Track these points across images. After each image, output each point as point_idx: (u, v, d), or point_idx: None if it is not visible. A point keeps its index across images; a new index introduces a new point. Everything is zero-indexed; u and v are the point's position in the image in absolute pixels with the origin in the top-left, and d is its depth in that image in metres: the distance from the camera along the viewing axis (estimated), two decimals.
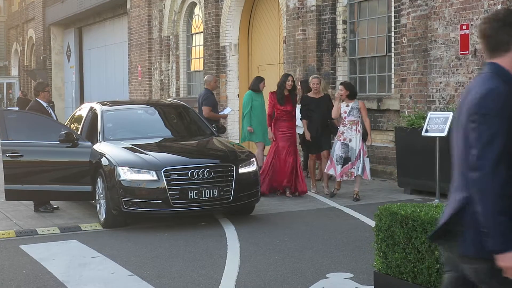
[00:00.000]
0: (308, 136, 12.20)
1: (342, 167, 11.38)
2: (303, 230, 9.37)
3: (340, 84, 11.90)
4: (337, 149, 11.43)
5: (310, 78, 12.68)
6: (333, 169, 11.52)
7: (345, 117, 11.43)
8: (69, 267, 7.73)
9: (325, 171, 11.88)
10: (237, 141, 18.36)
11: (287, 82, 12.23)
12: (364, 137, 11.44)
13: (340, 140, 11.45)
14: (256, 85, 13.96)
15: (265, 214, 10.62)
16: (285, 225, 9.83)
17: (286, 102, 12.23)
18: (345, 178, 11.52)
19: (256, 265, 7.57)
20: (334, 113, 11.70)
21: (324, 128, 12.26)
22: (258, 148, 14.19)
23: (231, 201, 9.76)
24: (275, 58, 18.27)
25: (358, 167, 11.36)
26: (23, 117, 11.15)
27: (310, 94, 12.40)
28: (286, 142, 12.16)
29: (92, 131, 11.04)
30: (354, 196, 11.49)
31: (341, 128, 11.51)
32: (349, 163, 11.37)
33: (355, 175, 11.44)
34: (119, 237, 9.28)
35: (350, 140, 11.38)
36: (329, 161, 11.70)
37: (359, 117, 11.44)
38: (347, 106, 11.44)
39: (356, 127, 11.41)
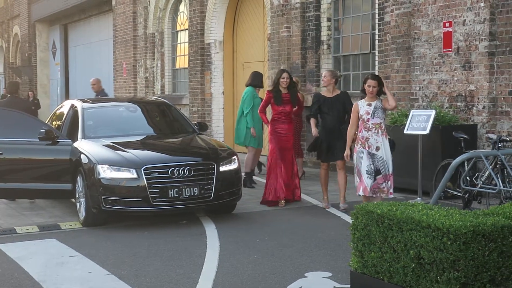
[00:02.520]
0: (314, 132, 10.67)
1: (374, 181, 9.28)
2: (284, 229, 9.32)
3: (368, 79, 9.52)
4: (365, 160, 9.29)
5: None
6: (362, 187, 9.34)
7: (368, 119, 9.30)
8: (46, 266, 7.65)
9: (358, 193, 9.48)
10: (222, 139, 18.31)
11: (281, 80, 11.11)
12: (392, 145, 9.53)
13: (366, 149, 9.32)
14: (259, 80, 13.23)
15: (246, 212, 10.56)
16: (266, 223, 9.78)
17: (283, 102, 11.10)
18: (373, 195, 9.31)
19: (235, 264, 7.51)
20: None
21: (339, 133, 10.45)
22: (249, 152, 13.34)
23: (212, 199, 9.69)
24: (260, 56, 18.21)
25: (388, 183, 9.36)
26: (2, 114, 11.04)
27: (323, 92, 10.90)
28: (284, 145, 11.06)
29: (72, 128, 10.94)
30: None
31: (363, 133, 9.34)
32: (380, 175, 9.28)
33: (387, 193, 9.37)
34: (99, 235, 9.20)
35: (378, 149, 9.29)
36: (356, 177, 9.45)
37: (384, 118, 9.51)
38: (369, 105, 9.36)
39: (384, 131, 9.41)
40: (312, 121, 10.82)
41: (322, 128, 10.66)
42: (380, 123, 9.34)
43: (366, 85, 9.36)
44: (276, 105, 11.11)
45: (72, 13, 30.20)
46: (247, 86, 13.50)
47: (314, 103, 10.78)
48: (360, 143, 9.35)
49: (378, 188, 9.29)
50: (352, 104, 9.85)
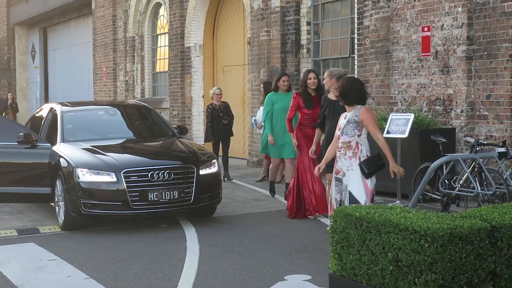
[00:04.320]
0: (312, 150, 9.64)
1: None
2: (264, 232, 9.34)
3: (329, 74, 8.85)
4: (333, 188, 7.81)
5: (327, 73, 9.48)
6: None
7: (338, 136, 7.64)
8: (25, 270, 7.62)
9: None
10: (202, 143, 18.31)
11: (308, 81, 10.15)
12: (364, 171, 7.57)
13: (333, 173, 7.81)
14: (274, 83, 11.72)
15: (226, 216, 10.57)
16: (246, 227, 9.79)
17: (314, 104, 10.10)
18: None
19: (215, 268, 7.52)
20: None
21: None
22: (273, 163, 11.93)
23: (191, 203, 9.69)
24: (240, 59, 18.23)
25: None
26: None
27: (330, 95, 9.29)
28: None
29: (51, 132, 10.90)
30: None
31: (337, 154, 7.76)
32: None
33: None
34: (78, 239, 9.17)
35: (344, 175, 7.64)
36: (329, 205, 8.24)
37: (359, 135, 7.54)
38: (345, 118, 7.65)
39: (354, 153, 7.56)
40: (317, 133, 9.58)
41: (325, 135, 9.22)
42: (350, 142, 7.50)
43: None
44: (306, 109, 10.19)
45: (52, 16, 30.07)
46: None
47: (322, 106, 9.35)
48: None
49: None
50: None
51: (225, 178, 13.84)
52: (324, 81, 9.44)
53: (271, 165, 12.00)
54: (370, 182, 7.57)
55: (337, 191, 7.64)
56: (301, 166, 10.15)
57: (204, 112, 19.28)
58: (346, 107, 7.60)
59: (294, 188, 10.12)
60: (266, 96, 11.87)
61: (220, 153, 14.42)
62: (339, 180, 7.60)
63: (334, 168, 7.74)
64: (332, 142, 7.86)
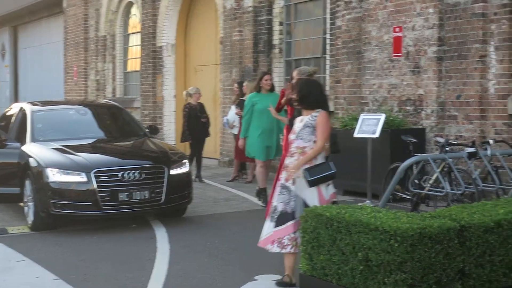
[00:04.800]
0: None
1: (275, 226, 6.67)
2: (235, 232, 9.33)
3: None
4: (276, 196, 6.88)
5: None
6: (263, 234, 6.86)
7: (292, 141, 6.88)
8: None
9: (260, 240, 6.91)
10: (173, 143, 18.24)
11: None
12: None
13: (279, 180, 6.95)
14: (256, 83, 11.33)
15: (197, 216, 10.54)
16: (217, 226, 9.77)
17: None
18: (276, 249, 6.70)
19: (185, 268, 7.49)
20: None
21: None
22: (260, 165, 11.16)
23: (162, 203, 9.65)
24: (212, 59, 18.19)
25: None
26: None
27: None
28: None
29: (21, 132, 10.78)
30: (286, 280, 6.72)
31: (286, 160, 6.96)
32: (290, 223, 6.60)
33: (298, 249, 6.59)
34: (47, 240, 9.09)
35: (294, 182, 6.70)
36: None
37: (315, 141, 6.76)
38: (301, 121, 6.92)
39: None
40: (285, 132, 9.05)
41: None
42: (304, 147, 6.74)
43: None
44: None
45: (22, 14, 29.78)
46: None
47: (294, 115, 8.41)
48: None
49: (285, 238, 6.60)
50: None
51: (197, 179, 13.77)
52: (293, 80, 9.08)
53: (257, 168, 11.22)
54: (326, 192, 6.71)
55: (280, 200, 6.67)
56: None
57: (174, 112, 19.26)
58: (304, 111, 6.92)
59: None
60: (248, 97, 11.53)
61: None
62: (285, 188, 6.69)
63: (281, 174, 6.97)
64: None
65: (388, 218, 5.49)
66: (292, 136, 6.85)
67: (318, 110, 6.86)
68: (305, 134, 6.74)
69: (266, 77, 11.10)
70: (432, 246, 5.26)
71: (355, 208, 6.00)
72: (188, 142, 14.28)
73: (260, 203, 11.11)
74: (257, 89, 11.17)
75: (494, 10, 10.49)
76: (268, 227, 6.73)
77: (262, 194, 11.11)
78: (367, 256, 5.45)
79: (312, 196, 6.61)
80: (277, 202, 6.71)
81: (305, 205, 6.54)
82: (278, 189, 6.81)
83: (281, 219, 6.60)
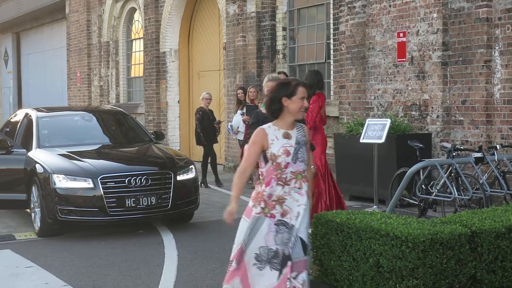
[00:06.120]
0: None
1: (280, 275, 5.21)
2: None
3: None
4: (264, 237, 5.27)
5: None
6: (239, 280, 5.43)
7: (287, 164, 5.27)
8: (1, 277, 7.53)
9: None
10: (178, 148, 18.25)
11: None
12: None
13: (271, 217, 5.28)
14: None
15: (204, 221, 10.53)
16: (224, 232, 9.74)
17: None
18: None
19: (193, 274, 7.49)
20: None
21: None
22: None
23: (169, 208, 9.66)
24: (216, 65, 18.21)
25: (303, 274, 5.26)
26: None
27: (264, 109, 6.67)
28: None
29: (27, 138, 10.79)
30: None
31: (273, 189, 5.29)
32: (288, 264, 5.22)
33: None
34: (54, 246, 9.09)
35: (297, 216, 5.27)
36: (232, 263, 5.51)
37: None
38: (287, 136, 5.32)
39: (307, 187, 5.39)
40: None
41: None
42: (304, 171, 5.36)
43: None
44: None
45: (25, 21, 29.84)
46: None
47: (252, 124, 6.86)
48: (262, 205, 5.29)
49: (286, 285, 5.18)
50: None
51: (202, 184, 13.77)
52: (252, 90, 8.77)
53: None
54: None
55: (279, 242, 5.25)
56: (322, 170, 8.93)
57: (178, 118, 19.28)
58: (288, 121, 5.33)
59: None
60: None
61: (201, 158, 14.42)
62: (285, 225, 5.25)
63: (274, 210, 5.28)
64: (241, 173, 5.39)
65: (399, 224, 5.50)
66: (287, 159, 5.25)
67: (299, 123, 5.45)
68: (303, 154, 5.34)
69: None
70: (444, 252, 5.27)
71: (365, 213, 6.00)
72: (202, 145, 14.31)
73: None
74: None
75: (498, 15, 10.52)
76: (271, 278, 5.24)
77: None
78: (378, 262, 5.45)
79: (307, 230, 5.36)
80: (275, 245, 5.24)
81: (304, 244, 5.28)
82: (272, 227, 5.24)
83: (283, 264, 5.22)
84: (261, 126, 5.36)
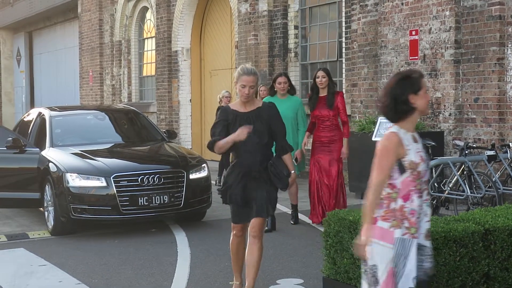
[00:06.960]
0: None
1: None
2: None
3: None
4: (412, 259, 4.37)
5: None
6: None
7: (425, 172, 4.54)
8: (15, 276, 7.59)
9: None
10: (189, 147, 18.29)
11: (317, 79, 9.52)
12: None
13: (414, 237, 4.41)
14: (270, 86, 10.17)
15: (216, 220, 10.55)
16: None
17: (319, 105, 9.50)
18: None
19: (206, 272, 7.51)
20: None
21: (260, 174, 6.40)
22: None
23: (182, 207, 9.69)
24: (227, 63, 18.23)
25: None
26: None
27: (234, 105, 6.65)
28: (326, 156, 9.53)
29: (40, 137, 10.86)
30: None
31: (414, 202, 4.43)
32: None
33: None
34: (68, 244, 9.14)
35: (426, 235, 4.52)
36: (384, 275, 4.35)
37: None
38: (415, 140, 4.54)
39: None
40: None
41: (233, 165, 6.49)
42: (428, 180, 4.72)
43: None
44: (311, 110, 9.65)
45: (37, 20, 29.95)
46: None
47: (217, 122, 6.46)
48: (406, 224, 4.39)
49: None
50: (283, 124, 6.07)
51: (216, 183, 13.76)
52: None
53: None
54: None
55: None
56: (318, 166, 9.54)
57: (190, 116, 19.30)
58: (409, 122, 4.50)
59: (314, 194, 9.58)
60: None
61: (212, 157, 14.41)
62: (422, 249, 4.48)
63: (415, 227, 4.42)
64: (375, 191, 4.41)
65: None
66: (424, 166, 4.49)
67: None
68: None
69: (280, 79, 9.78)
70: (457, 250, 5.26)
71: None
72: None
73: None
74: (271, 93, 9.91)
75: (511, 12, 10.48)
76: None
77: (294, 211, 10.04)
78: None
79: None
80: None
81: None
82: (413, 248, 4.36)
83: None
84: (391, 131, 4.44)
